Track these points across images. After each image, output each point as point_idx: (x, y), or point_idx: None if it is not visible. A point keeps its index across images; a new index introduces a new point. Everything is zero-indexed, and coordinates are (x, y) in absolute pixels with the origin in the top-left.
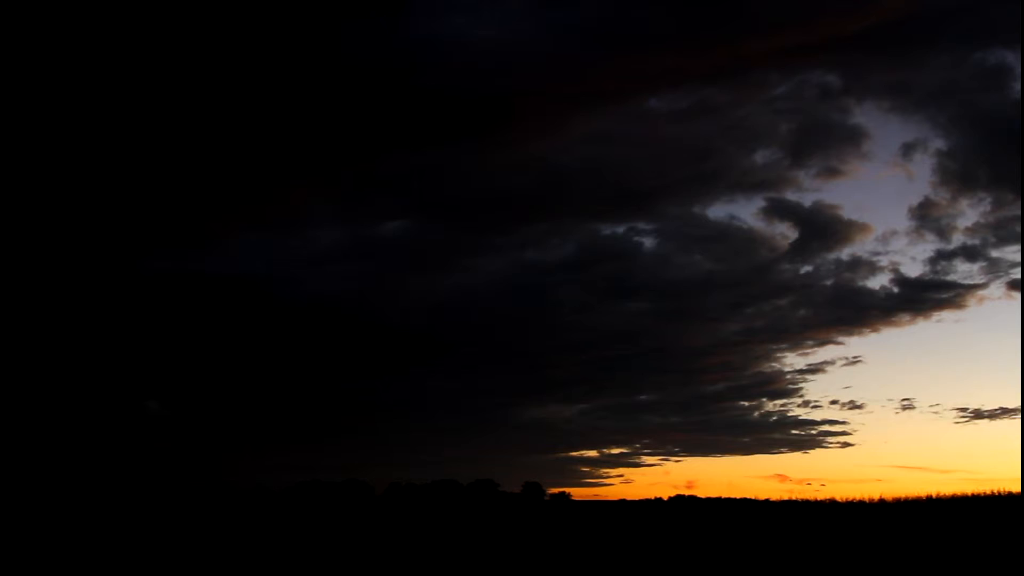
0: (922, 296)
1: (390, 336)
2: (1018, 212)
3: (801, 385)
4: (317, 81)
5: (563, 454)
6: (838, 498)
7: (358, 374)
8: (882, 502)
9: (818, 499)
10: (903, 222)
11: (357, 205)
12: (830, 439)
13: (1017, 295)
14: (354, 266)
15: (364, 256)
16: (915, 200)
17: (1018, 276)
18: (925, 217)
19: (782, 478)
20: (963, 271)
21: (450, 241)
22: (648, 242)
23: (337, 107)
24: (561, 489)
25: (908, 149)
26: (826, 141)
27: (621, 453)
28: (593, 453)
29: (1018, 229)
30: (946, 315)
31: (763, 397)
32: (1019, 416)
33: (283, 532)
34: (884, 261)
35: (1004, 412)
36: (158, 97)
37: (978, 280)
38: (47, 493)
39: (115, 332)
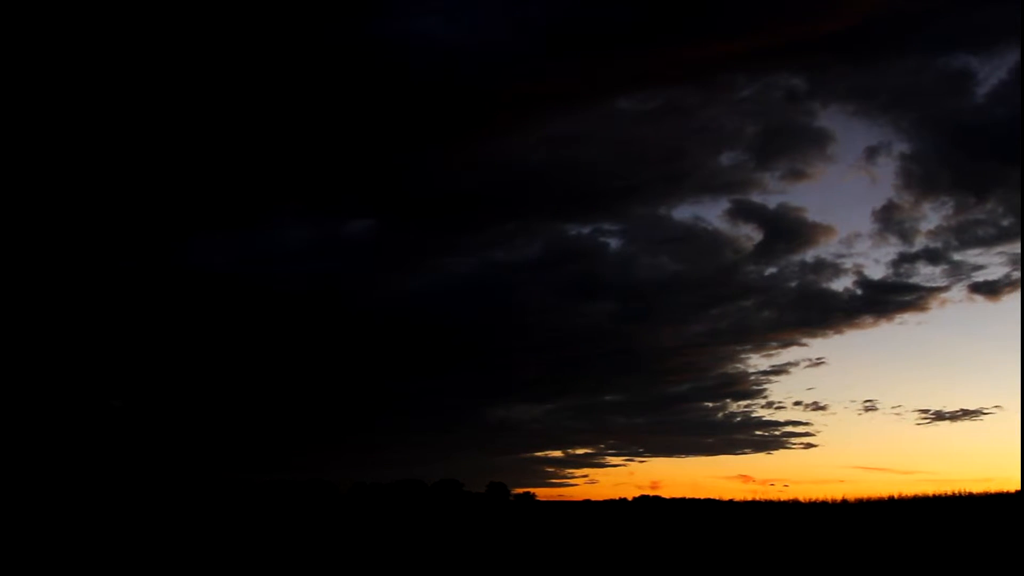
0: (885, 298)
1: (355, 336)
2: (980, 216)
3: (765, 386)
4: (286, 82)
5: (528, 454)
6: (801, 499)
7: (324, 374)
8: (845, 503)
9: (781, 500)
10: (867, 225)
11: (324, 203)
12: (793, 440)
13: (979, 298)
14: (320, 265)
15: (330, 255)
16: (878, 203)
17: (980, 279)
18: (888, 220)
19: (746, 479)
20: (925, 274)
21: (417, 241)
22: (614, 243)
23: (306, 107)
24: (526, 489)
25: (872, 152)
26: (791, 144)
27: (586, 453)
28: (558, 453)
29: (980, 232)
30: (908, 317)
31: (727, 398)
32: (981, 418)
33: (246, 531)
34: (848, 263)
35: (965, 414)
36: (129, 97)
37: (940, 283)
38: (26, 492)
39: (90, 329)
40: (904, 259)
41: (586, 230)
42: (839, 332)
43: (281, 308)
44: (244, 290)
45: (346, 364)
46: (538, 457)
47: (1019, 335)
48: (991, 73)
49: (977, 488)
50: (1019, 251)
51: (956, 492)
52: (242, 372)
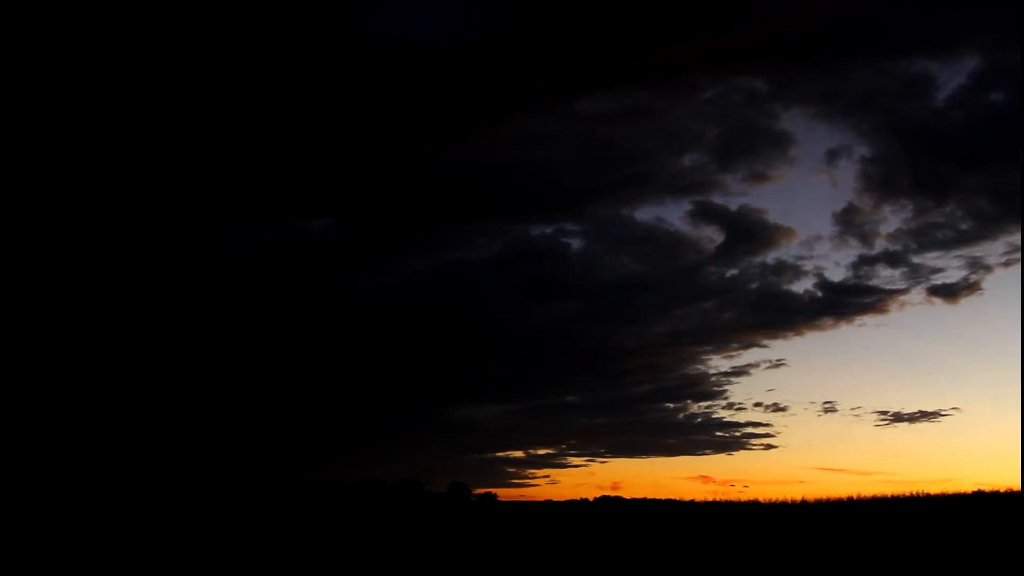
0: (845, 300)
1: (313, 336)
2: (939, 219)
3: (726, 387)
4: (245, 80)
5: (489, 454)
6: (761, 499)
7: (281, 373)
8: (804, 503)
9: (742, 500)
10: (827, 227)
11: (285, 202)
12: (754, 441)
13: (937, 301)
14: (280, 264)
15: (290, 254)
16: (839, 206)
17: (939, 282)
18: (848, 223)
19: (706, 479)
20: (885, 276)
21: (377, 239)
22: (576, 243)
23: (264, 104)
24: (487, 490)
25: (833, 155)
26: (753, 146)
27: (547, 454)
28: (519, 454)
29: (939, 236)
30: (868, 320)
31: (688, 399)
32: (939, 420)
33: (203, 529)
34: (808, 265)
35: (923, 415)
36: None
37: (899, 285)
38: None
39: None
40: (864, 261)
41: (548, 230)
42: (799, 334)
43: (241, 305)
44: (199, 289)
45: (304, 364)
46: (499, 457)
47: (984, 337)
48: (950, 78)
49: (935, 489)
50: (977, 255)
51: (914, 493)
52: (196, 370)
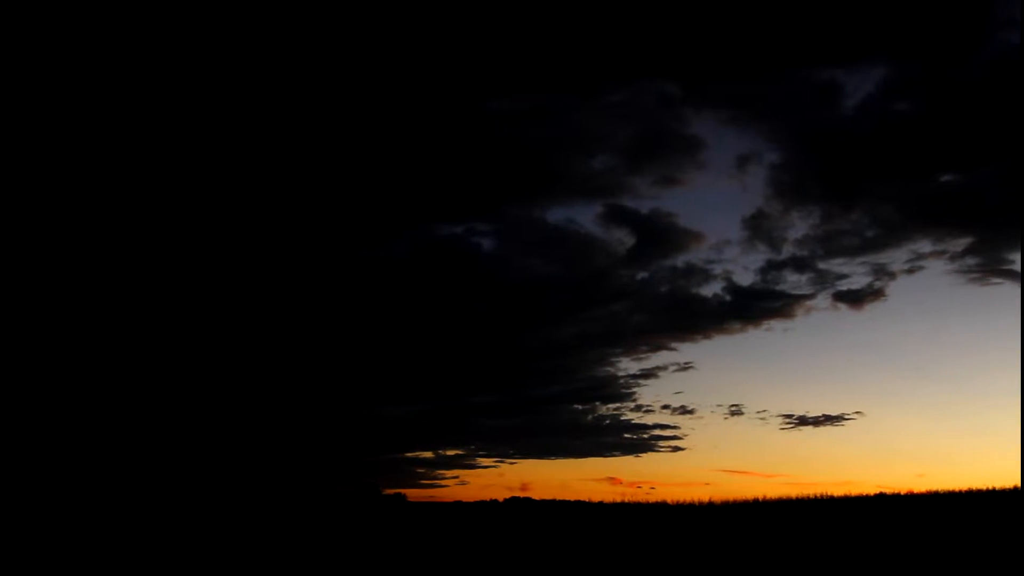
0: (753, 305)
1: (225, 333)
2: (845, 226)
3: (634, 389)
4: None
5: (398, 455)
6: (669, 500)
7: (204, 373)
8: (711, 504)
9: (650, 501)
10: (736, 232)
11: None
12: (661, 443)
13: (842, 306)
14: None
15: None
16: (748, 211)
17: (844, 288)
18: (757, 228)
19: (614, 481)
20: (792, 281)
21: (286, 238)
22: (487, 243)
23: (181, 99)
24: (396, 490)
25: (743, 161)
26: (664, 150)
27: (456, 455)
28: (428, 454)
29: (845, 242)
30: (775, 324)
31: (597, 400)
32: (843, 424)
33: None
34: (717, 269)
35: (827, 419)
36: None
37: (806, 291)
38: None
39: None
40: (772, 266)
41: (459, 230)
42: (707, 337)
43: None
44: None
45: (219, 362)
46: (408, 458)
47: (887, 343)
48: (858, 87)
49: (838, 491)
50: (882, 262)
51: (818, 495)
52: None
